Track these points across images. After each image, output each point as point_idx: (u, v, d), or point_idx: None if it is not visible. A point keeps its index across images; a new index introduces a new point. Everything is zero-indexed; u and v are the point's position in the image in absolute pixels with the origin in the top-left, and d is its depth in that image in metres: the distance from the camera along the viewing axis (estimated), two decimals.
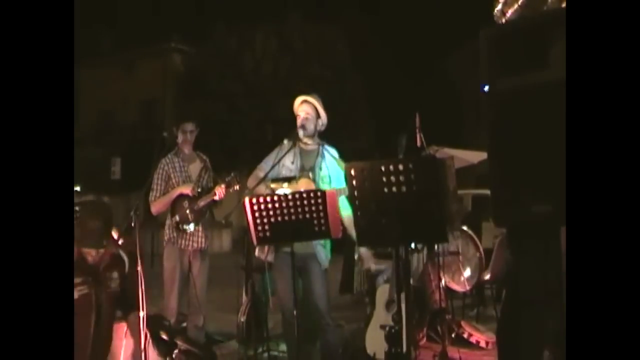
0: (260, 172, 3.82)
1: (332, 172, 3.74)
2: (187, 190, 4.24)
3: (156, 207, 4.30)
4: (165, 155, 4.39)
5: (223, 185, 4.20)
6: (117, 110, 25.62)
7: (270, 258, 3.77)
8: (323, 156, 3.78)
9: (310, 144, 3.81)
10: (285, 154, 3.76)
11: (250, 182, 3.80)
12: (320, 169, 3.74)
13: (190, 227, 4.25)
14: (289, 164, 3.78)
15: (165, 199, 4.28)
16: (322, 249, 3.73)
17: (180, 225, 4.25)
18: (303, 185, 3.69)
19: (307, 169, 3.76)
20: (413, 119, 4.64)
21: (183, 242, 4.28)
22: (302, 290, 3.72)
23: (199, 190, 4.28)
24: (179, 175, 4.34)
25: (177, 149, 4.40)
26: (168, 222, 4.33)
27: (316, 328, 3.79)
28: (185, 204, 4.27)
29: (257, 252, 3.86)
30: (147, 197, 4.30)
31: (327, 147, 3.85)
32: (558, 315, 1.88)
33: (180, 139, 4.38)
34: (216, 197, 4.22)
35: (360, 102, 21.42)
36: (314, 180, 3.71)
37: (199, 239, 4.32)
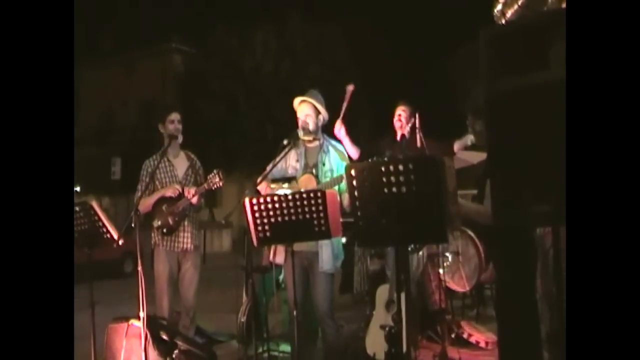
0: (270, 175, 3.82)
1: (334, 166, 3.74)
2: (169, 192, 4.18)
3: (141, 208, 4.20)
4: (149, 156, 4.36)
5: (204, 186, 4.13)
6: (117, 110, 25.65)
7: (279, 259, 3.77)
8: (327, 151, 3.79)
9: (313, 140, 3.83)
10: (286, 154, 3.78)
11: (261, 186, 3.80)
12: (324, 164, 3.75)
13: (170, 231, 4.20)
14: (294, 162, 3.81)
15: (147, 200, 4.21)
16: (327, 250, 3.65)
17: (161, 230, 4.20)
18: (304, 181, 3.71)
19: (311, 165, 3.78)
20: (413, 119, 4.64)
21: (169, 244, 4.23)
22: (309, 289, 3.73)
23: (181, 192, 4.18)
24: (164, 176, 4.29)
25: (163, 149, 4.30)
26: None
27: (316, 329, 3.79)
28: (165, 207, 4.20)
29: (270, 257, 3.85)
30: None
31: (331, 141, 3.85)
32: (556, 316, 1.88)
33: (165, 131, 4.28)
34: (194, 200, 4.16)
35: (361, 102, 21.43)
36: (316, 177, 3.72)
37: (185, 240, 4.25)
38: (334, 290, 3.81)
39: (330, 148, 3.80)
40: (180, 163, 4.38)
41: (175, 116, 4.31)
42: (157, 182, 4.29)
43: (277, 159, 3.77)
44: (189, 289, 4.26)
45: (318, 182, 3.70)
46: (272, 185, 3.72)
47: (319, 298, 3.66)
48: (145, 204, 4.23)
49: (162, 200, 4.21)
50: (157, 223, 4.21)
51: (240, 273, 4.94)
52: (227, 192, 20.05)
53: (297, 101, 3.88)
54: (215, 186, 4.13)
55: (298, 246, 3.39)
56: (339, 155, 3.76)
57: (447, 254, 4.81)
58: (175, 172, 4.32)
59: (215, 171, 4.11)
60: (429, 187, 2.43)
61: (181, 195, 4.18)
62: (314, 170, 3.75)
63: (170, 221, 4.19)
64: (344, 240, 4.85)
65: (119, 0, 25.77)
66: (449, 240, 4.34)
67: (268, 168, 3.80)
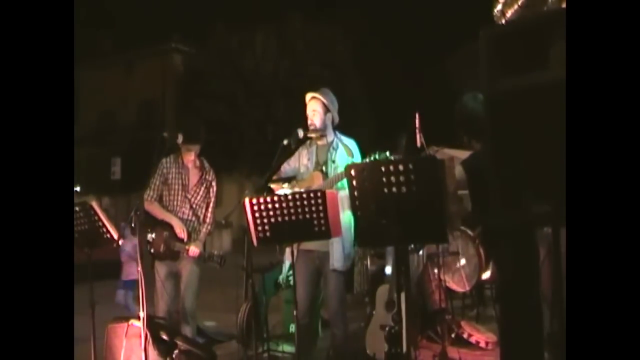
0: (281, 174, 3.84)
1: (342, 162, 3.73)
2: (177, 229, 4.14)
3: (149, 209, 4.22)
4: (167, 154, 4.31)
5: (206, 254, 4.16)
6: (117, 110, 25.63)
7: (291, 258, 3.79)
8: (336, 148, 3.78)
9: (323, 138, 3.82)
10: (283, 152, 3.80)
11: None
12: (333, 161, 3.75)
13: (157, 256, 4.18)
14: (305, 161, 3.82)
15: (159, 213, 4.21)
16: (338, 247, 3.60)
17: (149, 248, 4.17)
18: (312, 178, 3.72)
19: (321, 163, 3.78)
20: (413, 119, 4.63)
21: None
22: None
23: (186, 237, 4.17)
24: (176, 181, 4.27)
25: (179, 155, 4.29)
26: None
27: (316, 328, 3.78)
28: (166, 234, 4.15)
29: (286, 255, 3.88)
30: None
31: (342, 138, 3.84)
32: (557, 316, 1.88)
33: (183, 151, 4.27)
34: (191, 253, 4.12)
35: (360, 102, 21.44)
36: (326, 174, 3.71)
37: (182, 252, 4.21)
38: (345, 289, 3.76)
39: (340, 144, 3.79)
40: (194, 172, 4.34)
41: (195, 149, 4.26)
42: (169, 184, 4.27)
43: (275, 162, 3.77)
44: (189, 299, 4.23)
45: (325, 178, 3.70)
46: (272, 185, 3.72)
47: (330, 297, 3.65)
48: (154, 210, 4.23)
49: (168, 225, 4.19)
50: (150, 237, 4.17)
51: (240, 273, 4.94)
52: (227, 192, 20.06)
53: (308, 97, 3.87)
54: (208, 262, 4.18)
55: (307, 245, 3.39)
56: (345, 151, 3.74)
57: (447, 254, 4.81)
58: (186, 181, 4.29)
59: (221, 259, 4.17)
60: (429, 187, 2.44)
61: (184, 240, 4.15)
62: (324, 168, 3.75)
63: (162, 249, 4.15)
64: None
65: (119, 0, 25.76)
66: (449, 240, 4.35)
67: (282, 167, 3.83)
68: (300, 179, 3.79)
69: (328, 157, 3.77)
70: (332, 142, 3.81)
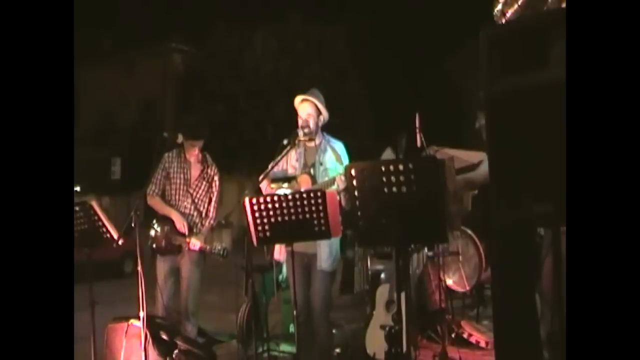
0: (271, 174, 3.84)
1: (330, 165, 3.73)
2: (177, 224, 4.16)
3: (151, 204, 4.25)
4: (169, 149, 4.32)
5: (207, 247, 4.15)
6: (117, 110, 25.61)
7: (281, 257, 3.80)
8: (324, 150, 3.78)
9: (313, 140, 3.82)
10: (287, 153, 3.79)
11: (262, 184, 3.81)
12: (321, 164, 3.75)
13: (158, 251, 4.20)
14: (294, 162, 3.82)
15: (160, 208, 4.23)
16: (326, 249, 3.64)
17: (151, 244, 4.19)
18: (302, 181, 3.71)
19: (309, 165, 3.78)
20: (413, 119, 4.63)
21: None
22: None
23: (186, 231, 4.18)
24: (178, 175, 4.29)
25: (182, 150, 4.31)
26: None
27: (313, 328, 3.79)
28: (167, 229, 4.17)
29: (275, 254, 3.90)
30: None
31: (332, 140, 3.85)
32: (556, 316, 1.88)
33: (186, 146, 4.29)
34: (192, 246, 4.13)
35: (360, 102, 21.45)
36: (313, 177, 3.71)
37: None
38: (331, 289, 3.79)
39: (328, 147, 3.79)
40: (196, 166, 4.35)
41: (198, 144, 4.27)
42: (170, 179, 4.28)
43: (278, 158, 3.78)
44: (191, 296, 4.22)
45: (314, 182, 3.70)
46: (272, 185, 3.72)
47: (315, 296, 3.67)
48: (156, 205, 4.25)
49: (169, 219, 4.20)
50: (153, 232, 4.20)
51: (240, 273, 4.94)
52: (227, 192, 20.06)
53: (298, 100, 3.87)
54: (209, 252, 4.18)
55: (296, 247, 3.39)
56: (334, 156, 3.74)
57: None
58: (188, 175, 4.30)
59: (225, 251, 4.16)
60: (429, 187, 2.44)
61: (184, 235, 4.16)
62: (312, 170, 3.75)
63: (163, 244, 4.17)
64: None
65: (119, 0, 25.75)
66: (449, 240, 4.34)
67: (270, 167, 3.81)
68: (292, 182, 3.78)
69: (316, 160, 3.78)
70: (321, 144, 3.81)
